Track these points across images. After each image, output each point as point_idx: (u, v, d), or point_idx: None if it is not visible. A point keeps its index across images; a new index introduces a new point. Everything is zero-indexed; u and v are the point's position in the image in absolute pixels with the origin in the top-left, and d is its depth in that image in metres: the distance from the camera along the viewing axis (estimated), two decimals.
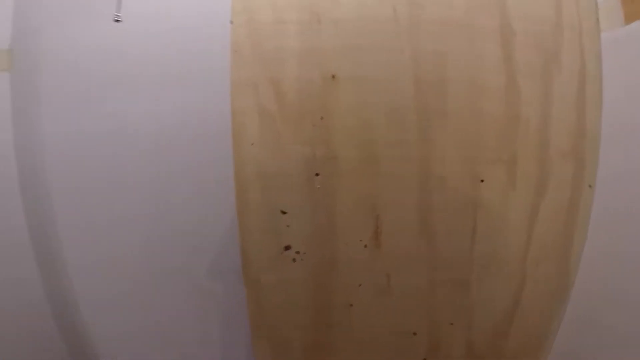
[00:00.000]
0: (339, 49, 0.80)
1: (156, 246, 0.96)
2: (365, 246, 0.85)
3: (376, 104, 0.80)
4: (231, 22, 0.81)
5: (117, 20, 0.84)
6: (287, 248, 0.84)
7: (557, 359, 0.99)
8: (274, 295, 0.87)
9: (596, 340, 0.90)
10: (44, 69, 0.98)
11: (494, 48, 0.85)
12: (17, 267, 0.99)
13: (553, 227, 0.94)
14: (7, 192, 0.99)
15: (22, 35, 0.99)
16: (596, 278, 0.92)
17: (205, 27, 0.89)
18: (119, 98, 0.95)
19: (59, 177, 0.98)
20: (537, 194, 0.92)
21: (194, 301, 0.98)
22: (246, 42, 0.80)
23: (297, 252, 0.85)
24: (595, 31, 0.88)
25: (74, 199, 0.97)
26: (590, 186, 0.92)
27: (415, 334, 0.93)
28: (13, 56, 1.01)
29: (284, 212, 0.83)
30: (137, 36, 0.92)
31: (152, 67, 0.93)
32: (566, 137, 0.90)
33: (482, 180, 0.87)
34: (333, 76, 0.80)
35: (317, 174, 0.82)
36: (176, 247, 0.95)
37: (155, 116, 0.93)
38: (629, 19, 0.83)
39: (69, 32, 0.95)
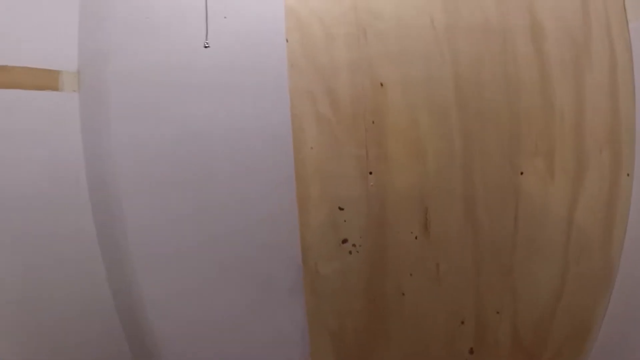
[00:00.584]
0: (385, 57, 0.88)
1: (220, 243, 1.03)
2: (416, 237, 0.91)
3: (421, 105, 0.88)
4: (286, 40, 0.90)
5: (206, 47, 0.96)
6: (345, 241, 0.92)
7: (602, 344, 1.00)
8: (331, 284, 0.94)
9: None
10: (111, 87, 1.08)
11: (526, 46, 0.91)
12: (85, 266, 1.08)
13: (593, 216, 0.97)
14: (78, 199, 1.09)
15: (89, 57, 1.10)
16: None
17: (263, 45, 0.97)
18: (186, 109, 1.03)
19: (126, 181, 1.06)
20: (576, 183, 0.95)
21: (256, 295, 1.04)
22: (301, 57, 0.90)
23: (354, 245, 0.92)
24: (623, 21, 0.92)
25: (140, 201, 1.05)
26: (628, 175, 0.95)
27: (463, 322, 0.97)
28: (81, 78, 1.12)
29: (341, 209, 0.91)
30: (201, 54, 1.01)
31: (218, 81, 1.01)
32: (601, 127, 0.94)
33: (521, 173, 0.91)
34: (381, 84, 0.88)
35: (370, 173, 0.90)
36: (239, 244, 1.02)
37: (221, 123, 1.01)
38: None
39: (133, 51, 1.05)
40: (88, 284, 1.08)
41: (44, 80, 1.07)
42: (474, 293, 0.95)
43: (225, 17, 0.97)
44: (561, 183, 0.94)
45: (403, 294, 0.94)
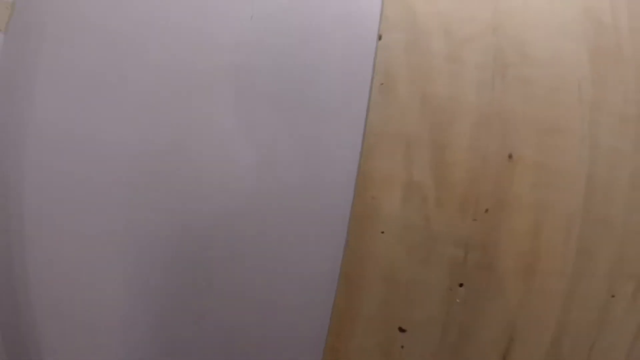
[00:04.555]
0: (523, 120, 0.61)
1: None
2: None
3: (549, 202, 0.64)
4: (379, 38, 0.56)
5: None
6: None
7: None
8: None
9: None
10: (49, 33, 0.67)
11: None
12: None
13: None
14: None
15: None
16: None
17: (344, 43, 0.60)
18: (178, 106, 0.67)
19: (38, 176, 0.69)
20: None
21: None
22: (403, 74, 0.55)
23: None
24: None
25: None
26: None
27: None
28: (17, 11, 0.68)
29: (402, 330, 0.61)
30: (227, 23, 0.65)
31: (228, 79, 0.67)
32: None
33: (612, 296, 0.76)
34: (510, 156, 0.61)
35: (461, 285, 0.62)
36: None
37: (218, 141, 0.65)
38: None
39: None
40: None
41: None
42: None
43: None
44: (637, 307, 0.81)
45: None
